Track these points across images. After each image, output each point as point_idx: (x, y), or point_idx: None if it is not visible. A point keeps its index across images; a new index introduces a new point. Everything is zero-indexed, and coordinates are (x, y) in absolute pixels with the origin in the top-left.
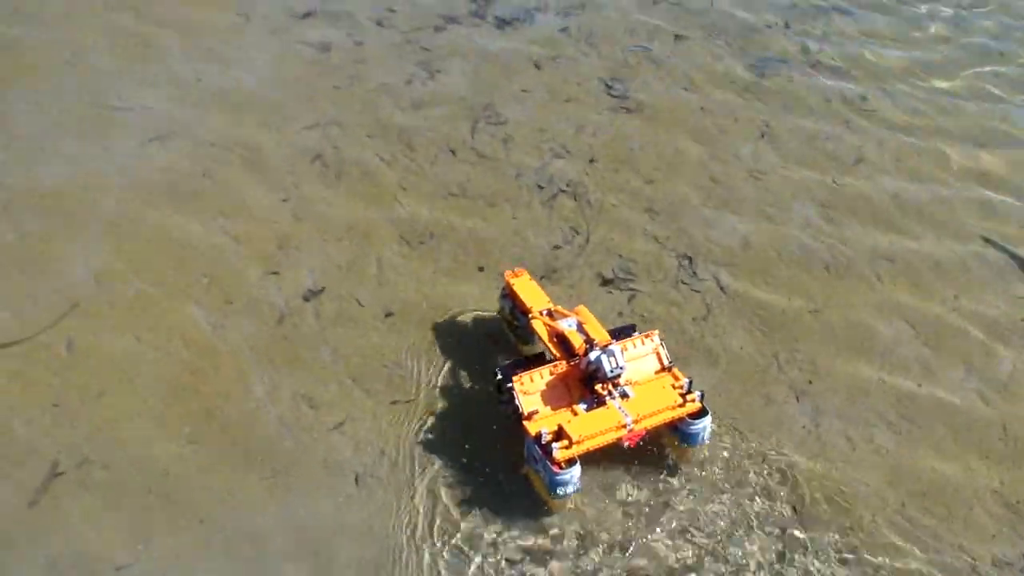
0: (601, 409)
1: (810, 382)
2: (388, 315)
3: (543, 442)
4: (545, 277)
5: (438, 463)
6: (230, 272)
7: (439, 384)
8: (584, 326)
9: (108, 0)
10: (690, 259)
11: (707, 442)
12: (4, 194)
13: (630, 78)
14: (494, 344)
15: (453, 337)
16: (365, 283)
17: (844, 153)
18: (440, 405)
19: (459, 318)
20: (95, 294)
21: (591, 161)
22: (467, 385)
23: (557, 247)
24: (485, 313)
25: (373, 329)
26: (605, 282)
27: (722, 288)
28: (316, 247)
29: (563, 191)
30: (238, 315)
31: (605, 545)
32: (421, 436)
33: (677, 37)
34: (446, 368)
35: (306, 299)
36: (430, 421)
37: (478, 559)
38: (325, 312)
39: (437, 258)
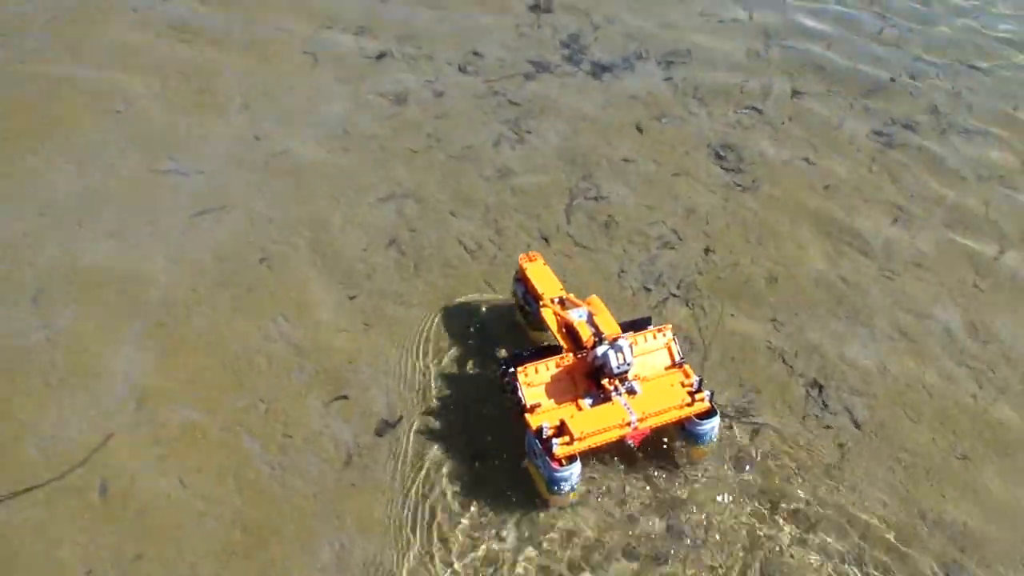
0: (606, 405)
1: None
2: (475, 458)
3: (544, 437)
4: None
5: (440, 453)
6: (291, 395)
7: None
8: (595, 317)
9: (165, 31)
10: (820, 387)
11: (715, 442)
12: (34, 277)
13: (743, 145)
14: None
15: (464, 324)
16: (449, 412)
17: (985, 243)
18: (446, 392)
19: (471, 304)
20: (135, 421)
21: (706, 252)
22: (473, 372)
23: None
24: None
25: (459, 476)
26: (724, 414)
27: (857, 424)
28: (391, 363)
29: (674, 295)
30: (300, 453)
31: (602, 546)
32: (424, 422)
33: (794, 93)
34: (452, 354)
35: (379, 433)
36: (435, 408)
37: (472, 553)
38: (401, 450)
39: None
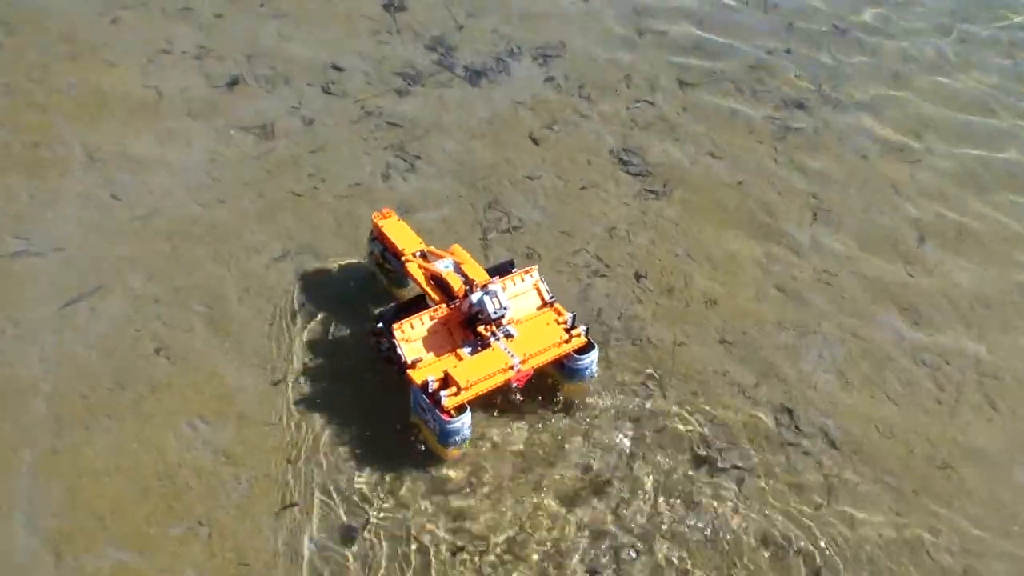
0: (487, 352)
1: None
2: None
3: (430, 391)
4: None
5: (321, 425)
6: (234, 513)
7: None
8: (462, 267)
9: None
10: (789, 411)
11: (595, 376)
12: None
13: (645, 146)
14: (366, 292)
15: (324, 289)
16: (415, 505)
17: (904, 230)
18: (315, 363)
19: (329, 268)
20: None
21: (637, 278)
22: (341, 336)
23: (635, 419)
24: (353, 260)
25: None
26: (700, 461)
27: (834, 445)
28: (341, 458)
29: (616, 335)
30: None
31: (502, 493)
32: (299, 398)
33: (681, 84)
34: (317, 321)
35: (346, 543)
36: (307, 384)
37: (373, 517)
38: (376, 564)
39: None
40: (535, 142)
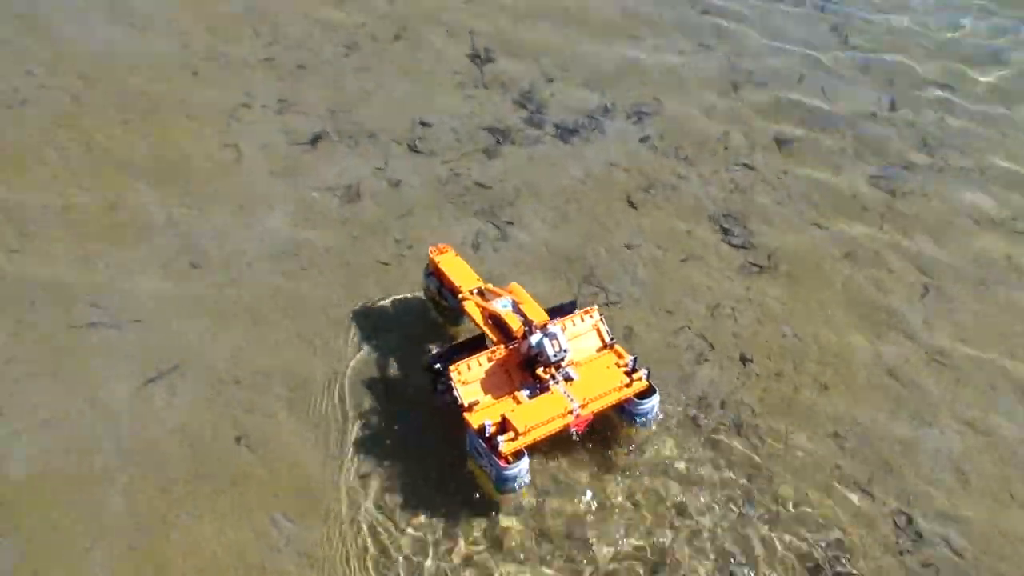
0: (545, 395)
1: None
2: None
3: (487, 435)
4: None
5: (376, 467)
6: None
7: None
8: (520, 306)
9: (50, 126)
10: (907, 516)
11: (656, 421)
12: None
13: (746, 213)
14: (423, 329)
15: (377, 326)
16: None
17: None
18: (369, 403)
19: (381, 304)
20: None
21: (744, 362)
22: (396, 375)
23: (742, 514)
24: (409, 296)
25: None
26: (811, 569)
27: (959, 554)
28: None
29: (723, 425)
30: None
31: (558, 539)
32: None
33: (780, 144)
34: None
35: None
36: (361, 423)
37: (429, 564)
38: None
39: None
40: (632, 206)
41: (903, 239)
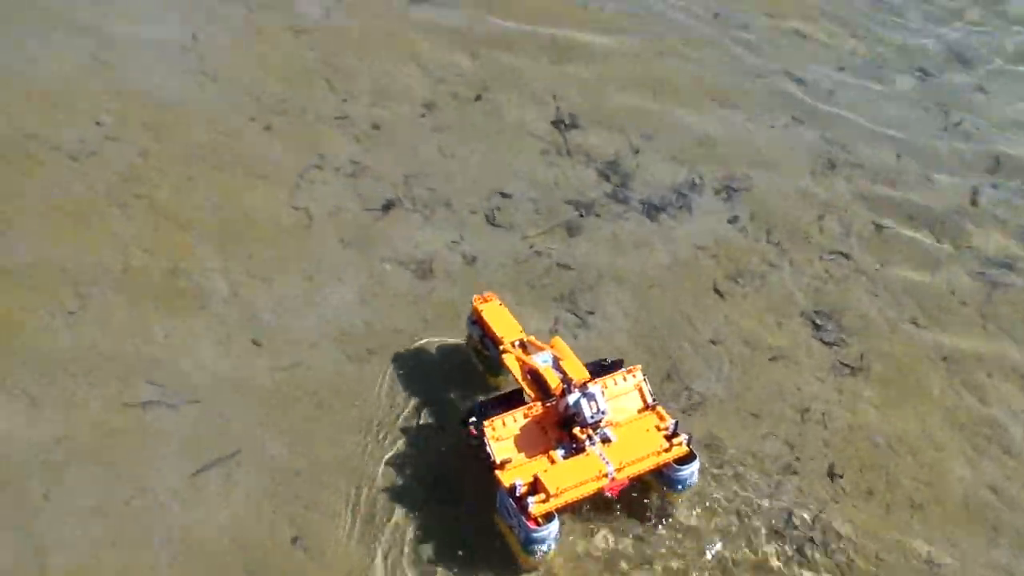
0: (581, 456)
1: None
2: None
3: (518, 495)
4: None
5: (402, 513)
6: None
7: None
8: (561, 362)
9: (117, 187)
10: None
11: (693, 487)
12: None
13: (840, 308)
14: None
15: (419, 369)
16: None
17: None
18: (403, 446)
19: (424, 347)
20: None
21: (832, 477)
22: (433, 422)
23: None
24: (451, 340)
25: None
26: None
27: None
28: None
29: (810, 542)
30: None
31: None
32: (383, 482)
33: (878, 228)
34: (411, 403)
35: None
36: (392, 464)
37: None
38: None
39: None
40: (719, 295)
41: (1007, 342)
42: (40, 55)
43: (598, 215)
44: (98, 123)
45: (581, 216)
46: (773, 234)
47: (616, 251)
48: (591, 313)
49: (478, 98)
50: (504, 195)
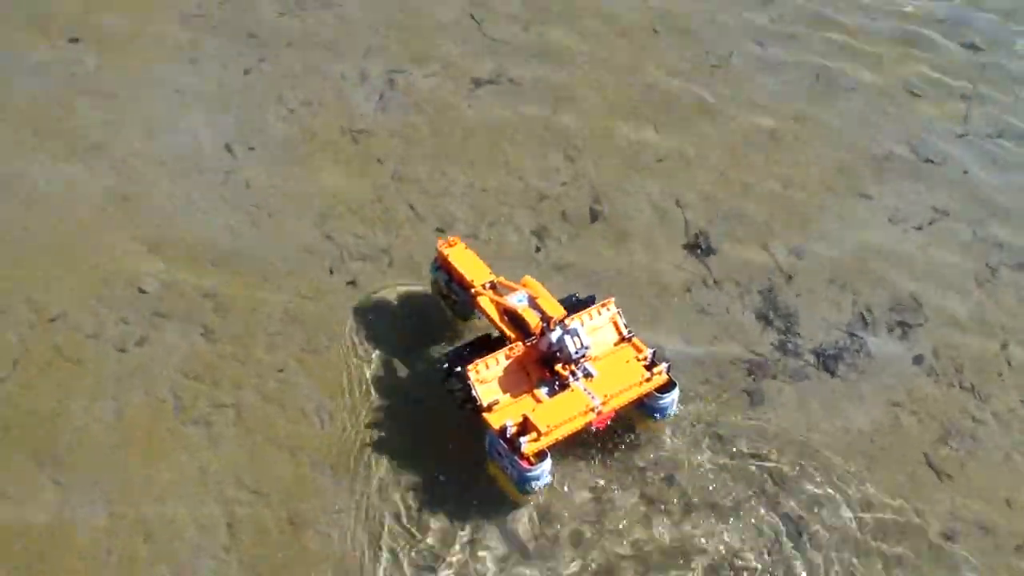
0: (566, 392)
1: None
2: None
3: (508, 436)
4: None
5: (389, 470)
6: None
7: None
8: (536, 300)
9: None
10: None
11: (676, 414)
12: None
13: None
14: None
15: (382, 318)
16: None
17: None
18: (380, 403)
19: (383, 295)
20: None
21: None
22: (405, 374)
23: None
24: (413, 288)
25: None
26: None
27: None
28: None
29: None
30: None
31: (583, 537)
32: (367, 441)
33: None
34: (376, 357)
35: None
36: (373, 426)
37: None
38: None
39: None
40: (935, 471)
41: None
42: (50, 195)
43: (774, 376)
44: (142, 290)
45: (755, 380)
46: (964, 376)
47: (807, 422)
48: (802, 519)
49: (594, 218)
50: (663, 349)
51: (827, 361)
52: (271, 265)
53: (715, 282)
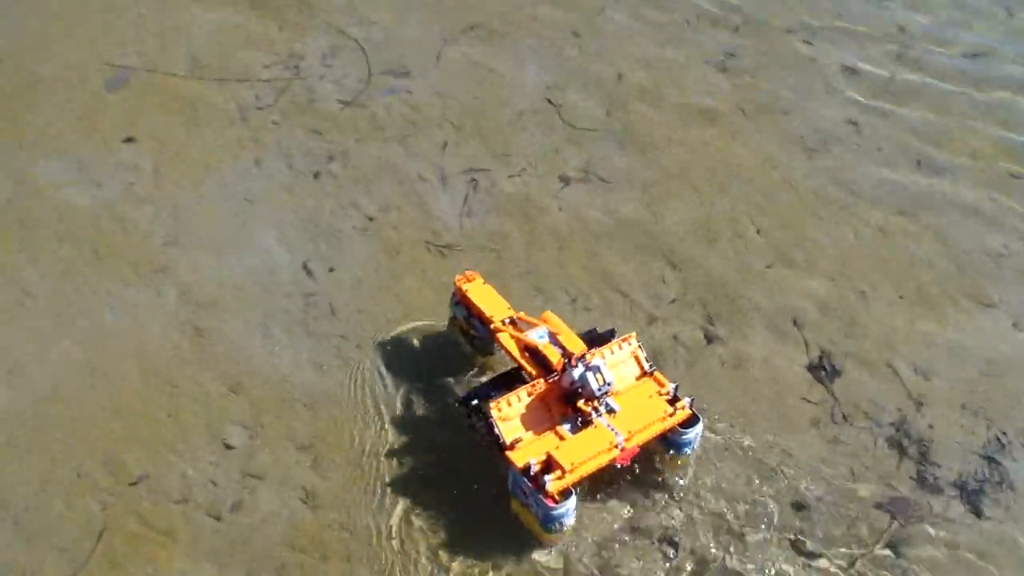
0: (589, 429)
1: None
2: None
3: (532, 474)
4: None
5: (410, 509)
6: None
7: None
8: (557, 336)
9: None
10: None
11: (697, 449)
12: None
13: None
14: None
15: (402, 357)
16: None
17: None
18: (403, 440)
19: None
20: None
21: None
22: (424, 412)
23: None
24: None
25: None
26: None
27: None
28: None
29: None
30: None
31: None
32: (388, 482)
33: None
34: (400, 395)
35: None
36: (395, 464)
37: None
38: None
39: None
40: None
41: None
42: (117, 330)
43: (917, 519)
44: (228, 445)
45: (900, 525)
46: None
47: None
48: None
49: (709, 340)
50: (800, 506)
51: (970, 497)
52: (370, 411)
53: (844, 415)
